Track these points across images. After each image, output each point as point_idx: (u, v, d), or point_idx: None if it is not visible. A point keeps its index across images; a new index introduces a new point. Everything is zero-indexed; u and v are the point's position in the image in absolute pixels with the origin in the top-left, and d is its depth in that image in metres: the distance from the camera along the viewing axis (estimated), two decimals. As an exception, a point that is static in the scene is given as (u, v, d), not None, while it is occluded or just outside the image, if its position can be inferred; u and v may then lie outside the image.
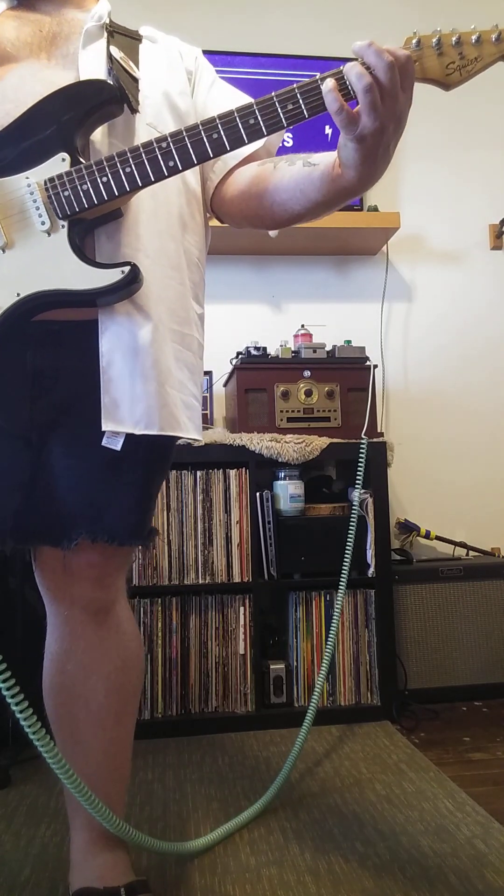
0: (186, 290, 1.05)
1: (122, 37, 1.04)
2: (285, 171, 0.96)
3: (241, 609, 1.88)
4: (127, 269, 0.90)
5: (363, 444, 1.85)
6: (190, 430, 1.03)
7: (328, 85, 0.81)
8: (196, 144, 0.88)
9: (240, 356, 2.09)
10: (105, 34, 1.01)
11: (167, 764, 1.63)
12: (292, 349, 2.12)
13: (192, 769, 1.60)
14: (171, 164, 0.89)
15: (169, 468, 1.13)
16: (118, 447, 0.95)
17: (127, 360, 0.95)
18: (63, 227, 0.91)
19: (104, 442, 0.95)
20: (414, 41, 0.85)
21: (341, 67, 0.82)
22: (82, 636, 1.04)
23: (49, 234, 0.91)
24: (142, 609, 1.84)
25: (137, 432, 0.95)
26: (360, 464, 1.80)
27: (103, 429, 0.94)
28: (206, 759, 1.65)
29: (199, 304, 1.10)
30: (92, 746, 1.04)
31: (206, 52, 1.15)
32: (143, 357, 0.96)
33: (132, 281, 0.91)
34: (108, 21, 1.03)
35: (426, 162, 2.53)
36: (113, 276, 0.90)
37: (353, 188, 0.88)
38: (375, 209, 2.36)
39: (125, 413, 0.95)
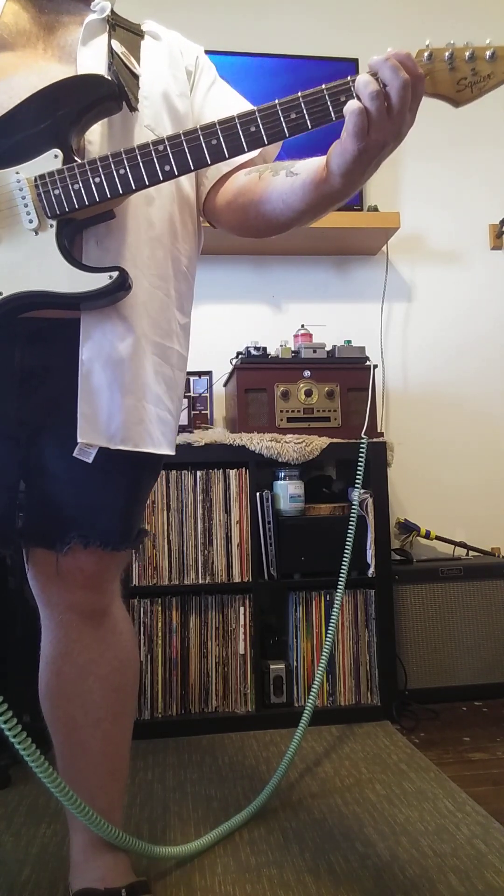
0: (171, 301, 1.03)
1: (124, 31, 1.01)
2: (269, 182, 0.94)
3: (241, 609, 1.88)
4: (115, 274, 0.87)
5: (363, 444, 1.85)
6: (163, 446, 1.01)
7: (354, 107, 0.78)
8: (194, 150, 0.85)
9: (240, 356, 2.08)
10: (107, 27, 0.98)
11: (167, 764, 1.63)
12: (292, 349, 2.12)
13: (192, 769, 1.60)
14: (168, 168, 0.86)
15: (158, 474, 1.11)
16: (90, 459, 0.93)
17: (107, 372, 0.93)
18: (51, 226, 0.88)
19: (76, 453, 0.92)
20: (426, 54, 0.81)
21: (349, 79, 0.80)
22: (78, 639, 1.03)
23: (36, 233, 0.88)
24: (142, 609, 1.84)
25: (112, 447, 0.93)
26: (359, 464, 1.80)
27: (79, 440, 0.91)
28: (206, 759, 1.65)
29: (184, 314, 1.07)
30: (90, 747, 1.04)
31: (206, 52, 1.13)
32: (122, 370, 0.94)
33: (120, 287, 0.88)
34: (110, 14, 1.00)
35: (426, 162, 2.53)
36: (100, 280, 0.88)
37: (336, 195, 0.87)
38: (375, 209, 2.36)
39: (102, 426, 0.93)
